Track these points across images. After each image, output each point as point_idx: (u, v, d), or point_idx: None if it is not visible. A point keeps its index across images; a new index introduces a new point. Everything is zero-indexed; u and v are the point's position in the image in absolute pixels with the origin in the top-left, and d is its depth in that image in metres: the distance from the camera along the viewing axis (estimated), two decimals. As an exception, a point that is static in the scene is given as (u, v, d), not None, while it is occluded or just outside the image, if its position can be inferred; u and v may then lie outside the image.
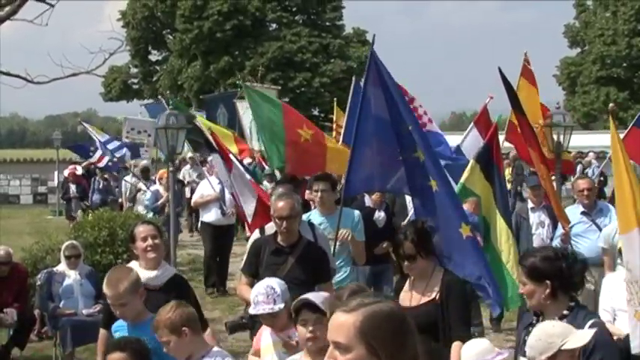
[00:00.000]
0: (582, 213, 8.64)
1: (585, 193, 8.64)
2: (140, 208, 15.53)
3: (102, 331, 5.39)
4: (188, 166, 20.00)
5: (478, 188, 7.29)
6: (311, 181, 8.04)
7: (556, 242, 8.49)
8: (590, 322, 4.11)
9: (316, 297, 4.22)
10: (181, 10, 45.24)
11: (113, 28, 9.48)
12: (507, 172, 19.23)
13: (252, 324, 5.43)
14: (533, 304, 4.30)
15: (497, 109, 10.37)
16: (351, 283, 6.99)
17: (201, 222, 13.45)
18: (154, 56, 51.91)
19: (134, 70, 51.61)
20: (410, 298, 5.16)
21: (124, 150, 19.73)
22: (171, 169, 10.09)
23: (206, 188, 13.09)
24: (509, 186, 17.56)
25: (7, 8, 8.63)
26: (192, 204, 14.67)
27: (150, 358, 4.49)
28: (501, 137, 8.75)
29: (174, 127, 9.59)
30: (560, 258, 4.26)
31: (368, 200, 9.51)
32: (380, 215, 9.41)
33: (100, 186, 20.22)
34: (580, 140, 24.44)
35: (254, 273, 6.00)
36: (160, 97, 27.07)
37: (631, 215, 5.24)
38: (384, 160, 6.62)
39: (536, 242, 9.15)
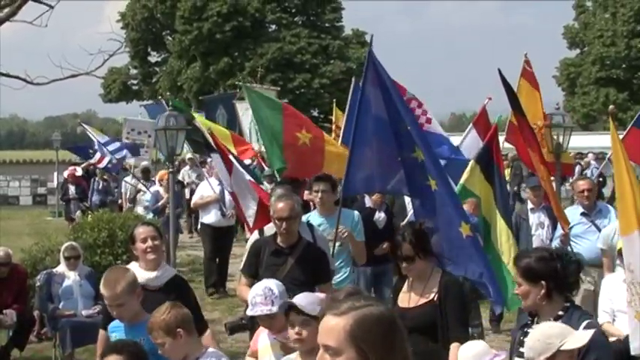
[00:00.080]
0: (582, 214, 8.63)
1: (585, 193, 8.62)
2: (140, 209, 15.53)
3: (101, 332, 5.38)
4: (187, 167, 19.99)
5: (478, 189, 7.30)
6: (311, 182, 8.04)
7: (555, 243, 8.48)
8: (585, 323, 4.11)
9: (310, 298, 4.21)
10: (181, 11, 45.25)
11: (112, 30, 9.54)
12: (506, 173, 19.22)
13: (251, 325, 5.43)
14: (528, 304, 4.30)
15: (497, 109, 10.37)
16: (349, 285, 7.02)
17: (201, 223, 13.43)
18: (154, 57, 51.97)
19: (134, 72, 51.61)
20: (408, 299, 5.15)
21: (124, 151, 19.72)
22: (170, 170, 10.09)
23: (206, 189, 13.08)
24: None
25: (6, 9, 8.64)
26: (191, 205, 14.65)
27: None
28: (501, 138, 8.76)
29: (173, 128, 9.60)
30: (555, 258, 4.26)
31: (368, 201, 9.51)
32: (380, 216, 9.41)
33: (100, 187, 20.23)
34: (579, 141, 24.43)
35: (254, 274, 6.00)
36: (160, 97, 27.06)
37: (632, 217, 5.24)
38: (384, 160, 6.62)
39: (535, 243, 9.14)
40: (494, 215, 7.18)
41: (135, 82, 51.96)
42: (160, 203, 14.30)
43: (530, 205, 9.73)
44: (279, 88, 34.12)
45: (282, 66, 44.28)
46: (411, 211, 7.84)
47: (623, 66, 46.44)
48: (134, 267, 5.41)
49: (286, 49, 44.20)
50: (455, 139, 11.21)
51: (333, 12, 47.53)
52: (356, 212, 7.74)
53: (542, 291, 4.20)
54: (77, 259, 8.99)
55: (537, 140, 8.52)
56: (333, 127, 16.01)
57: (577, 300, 7.06)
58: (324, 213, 7.40)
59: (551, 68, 52.04)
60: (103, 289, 4.91)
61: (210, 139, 9.17)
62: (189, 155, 20.02)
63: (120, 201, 19.92)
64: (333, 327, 2.33)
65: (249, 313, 4.73)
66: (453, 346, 4.89)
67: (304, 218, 6.91)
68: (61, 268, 8.97)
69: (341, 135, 11.46)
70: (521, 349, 4.23)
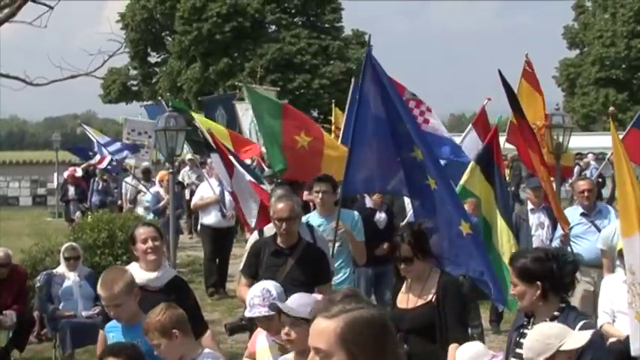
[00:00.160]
0: (582, 214, 8.63)
1: (585, 194, 8.62)
2: (141, 210, 15.53)
3: (101, 333, 5.37)
4: (187, 168, 19.99)
5: (478, 189, 7.31)
6: (312, 182, 8.04)
7: (555, 243, 8.49)
8: (580, 324, 4.12)
9: (302, 300, 4.21)
10: (180, 11, 45.21)
11: (112, 30, 9.56)
12: (506, 173, 19.20)
13: (251, 326, 5.42)
14: (524, 305, 4.31)
15: (497, 110, 10.37)
16: (347, 286, 7.02)
17: (201, 224, 13.42)
18: (153, 58, 51.88)
19: (133, 72, 51.54)
20: (407, 300, 5.15)
21: (125, 152, 19.72)
22: (170, 170, 10.09)
23: (206, 190, 13.07)
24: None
25: (6, 10, 8.65)
26: (191, 206, 14.63)
27: None
28: (502, 138, 8.76)
29: (173, 128, 9.59)
30: (550, 259, 4.26)
31: (369, 201, 9.52)
32: (381, 216, 9.41)
33: (99, 187, 20.22)
34: (579, 141, 24.43)
35: (254, 274, 6.00)
36: (159, 98, 27.05)
37: (633, 218, 5.23)
38: (383, 160, 6.61)
39: (535, 243, 9.14)
40: (495, 215, 7.18)
41: (135, 82, 51.90)
42: (160, 204, 14.29)
43: (530, 206, 9.73)
44: (278, 89, 34.08)
45: (282, 66, 44.25)
46: (411, 212, 7.84)
47: (623, 66, 46.43)
48: (134, 268, 5.40)
49: (286, 50, 44.17)
50: (454, 140, 11.19)
51: (333, 12, 47.49)
52: (356, 212, 7.74)
53: (538, 291, 4.20)
54: (77, 260, 8.99)
55: (537, 141, 8.53)
56: (333, 127, 16.01)
57: (576, 300, 7.09)
58: (324, 214, 7.40)
59: (551, 68, 52.08)
60: (100, 290, 4.90)
61: (210, 139, 9.17)
62: (189, 156, 20.02)
63: (120, 202, 19.90)
64: (324, 329, 2.32)
65: (247, 314, 4.73)
66: (452, 346, 4.89)
67: (304, 219, 6.91)
68: (61, 268, 8.98)
69: (340, 135, 11.47)
70: (517, 350, 4.23)
